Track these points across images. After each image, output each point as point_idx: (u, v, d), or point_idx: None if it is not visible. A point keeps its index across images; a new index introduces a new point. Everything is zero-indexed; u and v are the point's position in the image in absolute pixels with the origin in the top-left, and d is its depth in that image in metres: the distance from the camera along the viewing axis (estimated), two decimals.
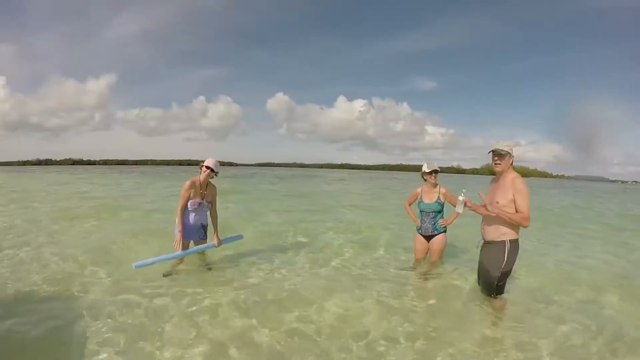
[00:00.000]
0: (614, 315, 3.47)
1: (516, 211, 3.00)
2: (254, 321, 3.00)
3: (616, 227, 9.74)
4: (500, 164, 3.14)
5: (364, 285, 3.99)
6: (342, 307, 3.37)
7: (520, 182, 3.04)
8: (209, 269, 4.33)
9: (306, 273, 4.43)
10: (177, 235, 3.96)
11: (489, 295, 3.34)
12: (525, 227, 3.04)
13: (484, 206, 3.14)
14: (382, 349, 2.67)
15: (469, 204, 3.33)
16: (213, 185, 4.27)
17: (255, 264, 4.65)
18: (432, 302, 3.62)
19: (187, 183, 3.97)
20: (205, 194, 4.11)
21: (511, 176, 3.09)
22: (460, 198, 3.35)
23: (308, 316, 3.16)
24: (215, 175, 4.12)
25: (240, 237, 4.92)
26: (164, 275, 3.92)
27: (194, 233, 4.13)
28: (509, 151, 3.12)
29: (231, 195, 13.61)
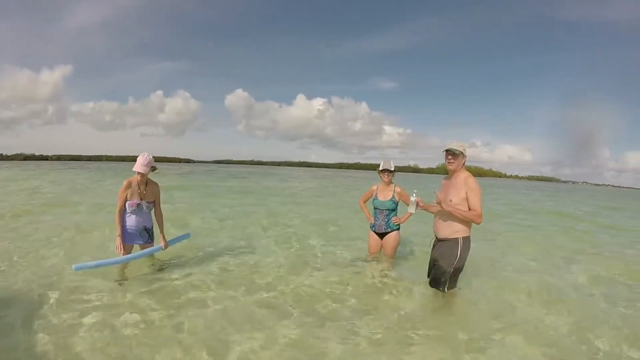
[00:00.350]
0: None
1: (469, 209, 3.09)
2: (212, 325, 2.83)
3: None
4: (453, 163, 3.21)
5: (312, 281, 4.01)
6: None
7: (472, 181, 3.13)
8: (160, 269, 4.07)
9: (258, 269, 4.37)
10: (117, 240, 3.70)
11: (438, 289, 3.41)
12: (478, 224, 3.14)
13: (438, 204, 3.21)
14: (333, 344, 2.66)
15: (421, 204, 3.42)
16: (154, 183, 3.94)
17: (204, 261, 4.51)
18: (382, 297, 3.68)
19: (124, 183, 3.72)
20: (145, 193, 3.80)
21: (464, 175, 3.18)
22: (412, 198, 3.42)
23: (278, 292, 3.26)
24: (152, 171, 3.82)
25: (187, 235, 4.64)
26: (117, 281, 3.64)
27: (136, 236, 3.82)
28: (462, 151, 3.20)
29: (181, 192, 13.42)
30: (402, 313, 3.25)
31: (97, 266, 3.52)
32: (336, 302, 3.44)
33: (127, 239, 3.76)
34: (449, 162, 3.24)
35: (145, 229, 3.87)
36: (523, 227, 9.28)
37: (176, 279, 3.80)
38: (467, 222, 3.18)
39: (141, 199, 3.77)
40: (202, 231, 6.34)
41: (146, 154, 3.72)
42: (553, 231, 8.84)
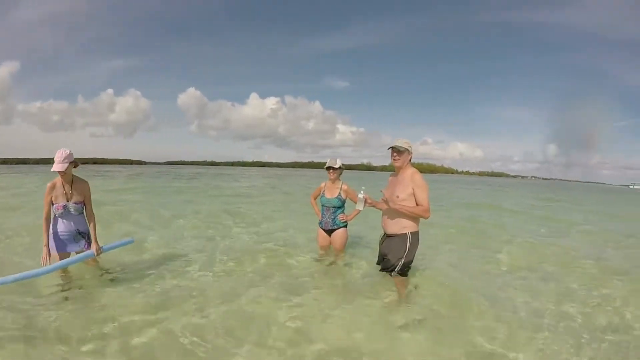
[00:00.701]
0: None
1: (417, 204, 3.14)
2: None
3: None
4: (399, 160, 3.26)
5: (265, 281, 3.98)
6: (251, 303, 3.33)
7: (419, 177, 3.18)
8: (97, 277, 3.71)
9: (209, 271, 4.29)
10: (43, 250, 3.32)
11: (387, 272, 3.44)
12: (426, 218, 3.20)
13: (385, 202, 3.23)
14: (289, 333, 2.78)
15: (369, 201, 3.42)
16: (82, 181, 3.55)
17: (148, 269, 4.20)
18: (332, 291, 3.76)
19: (47, 186, 3.38)
20: (71, 193, 3.43)
21: (410, 171, 3.23)
22: (360, 195, 3.41)
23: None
24: (74, 167, 3.47)
25: (130, 241, 4.24)
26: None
27: (70, 243, 3.46)
28: (408, 148, 3.26)
29: (128, 194, 12.87)
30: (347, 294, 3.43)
31: (15, 281, 3.09)
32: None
33: (60, 246, 3.41)
34: (394, 159, 3.27)
35: (79, 233, 3.50)
36: (457, 219, 9.68)
37: (108, 288, 3.52)
38: (415, 218, 3.23)
39: (67, 201, 3.41)
40: (147, 236, 5.94)
41: (63, 149, 3.34)
42: (485, 224, 9.20)
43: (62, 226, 3.43)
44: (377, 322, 3.04)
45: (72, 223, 3.46)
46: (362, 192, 3.42)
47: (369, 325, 2.98)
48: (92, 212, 3.60)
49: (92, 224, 3.57)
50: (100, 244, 3.56)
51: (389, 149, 3.28)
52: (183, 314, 3.03)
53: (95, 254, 3.51)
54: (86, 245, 3.53)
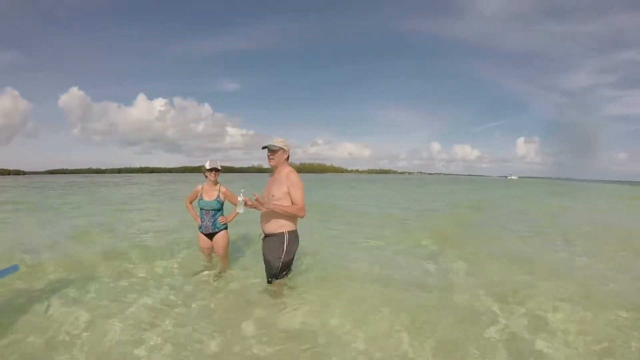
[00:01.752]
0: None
1: (292, 203, 3.18)
2: None
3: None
4: (273, 159, 3.27)
5: (145, 290, 3.82)
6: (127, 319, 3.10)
7: (294, 175, 3.23)
8: None
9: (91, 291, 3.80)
10: None
11: (267, 280, 3.41)
12: (301, 217, 3.24)
13: (259, 203, 3.20)
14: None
15: (249, 203, 3.34)
16: None
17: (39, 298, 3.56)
18: (218, 295, 3.72)
19: None
20: None
21: (286, 170, 3.25)
22: (240, 198, 3.32)
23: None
24: None
25: (15, 267, 3.30)
26: None
27: None
28: (282, 147, 3.28)
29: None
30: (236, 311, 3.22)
31: None
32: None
33: None
34: (269, 159, 3.28)
35: None
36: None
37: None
38: (292, 217, 3.26)
39: None
40: (33, 260, 4.92)
41: None
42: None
43: None
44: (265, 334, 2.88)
45: None
46: (241, 194, 3.32)
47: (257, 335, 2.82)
48: None
49: None
50: None
51: (263, 148, 3.27)
52: None
53: None
54: None
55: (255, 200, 3.21)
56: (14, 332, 2.81)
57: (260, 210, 3.41)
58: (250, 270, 4.34)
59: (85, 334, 2.82)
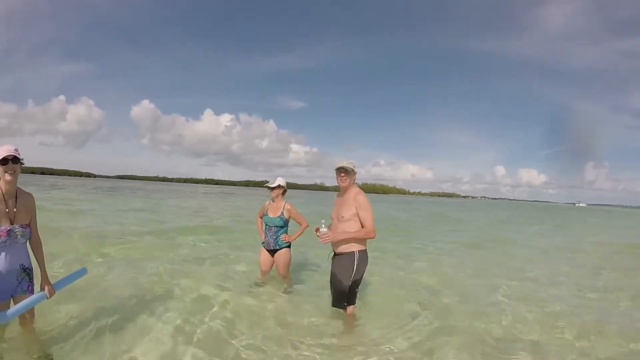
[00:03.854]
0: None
1: (362, 225, 3.19)
2: None
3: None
4: (346, 180, 3.30)
5: (206, 304, 3.82)
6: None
7: (362, 197, 3.24)
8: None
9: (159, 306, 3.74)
10: None
11: (340, 307, 3.40)
12: (372, 238, 3.23)
13: (328, 236, 3.19)
14: None
15: (318, 234, 3.26)
16: (26, 194, 2.56)
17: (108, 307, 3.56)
18: (281, 316, 3.62)
19: None
20: (16, 211, 2.45)
21: (354, 192, 3.28)
22: (323, 229, 3.24)
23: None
24: (20, 165, 2.44)
25: (83, 270, 3.08)
26: None
27: (11, 284, 2.45)
28: (353, 168, 3.32)
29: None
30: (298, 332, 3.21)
31: None
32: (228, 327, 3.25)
33: None
34: (341, 179, 3.31)
35: (24, 269, 2.53)
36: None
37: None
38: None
39: (12, 223, 2.42)
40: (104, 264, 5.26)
41: (7, 145, 2.40)
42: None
43: (2, 262, 2.41)
44: None
45: (13, 256, 2.45)
46: (323, 225, 3.26)
47: None
48: (39, 237, 2.64)
49: (39, 254, 2.62)
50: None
51: (335, 169, 3.32)
52: None
53: (48, 295, 2.56)
54: (29, 287, 2.56)
55: (323, 227, 3.22)
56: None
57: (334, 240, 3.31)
58: (311, 290, 4.30)
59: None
